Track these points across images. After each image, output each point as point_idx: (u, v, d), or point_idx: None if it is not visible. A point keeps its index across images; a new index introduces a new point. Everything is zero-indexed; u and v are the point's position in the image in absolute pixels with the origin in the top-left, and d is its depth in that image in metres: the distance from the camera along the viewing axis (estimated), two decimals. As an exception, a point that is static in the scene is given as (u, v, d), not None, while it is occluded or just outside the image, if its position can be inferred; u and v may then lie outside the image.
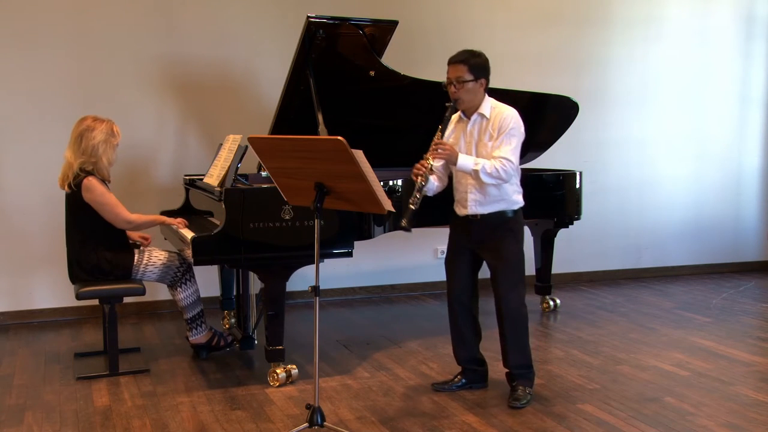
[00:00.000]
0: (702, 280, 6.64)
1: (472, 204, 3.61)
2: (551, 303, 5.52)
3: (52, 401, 3.68)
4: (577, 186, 5.26)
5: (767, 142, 7.11)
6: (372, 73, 4.56)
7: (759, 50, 6.95)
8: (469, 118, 3.62)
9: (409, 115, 4.93)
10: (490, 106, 3.60)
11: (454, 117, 3.71)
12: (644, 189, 6.74)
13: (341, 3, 5.17)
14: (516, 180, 3.63)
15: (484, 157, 3.52)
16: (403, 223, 3.37)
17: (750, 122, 7.04)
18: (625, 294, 6.10)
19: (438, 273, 6.17)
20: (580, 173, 5.29)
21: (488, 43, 6.26)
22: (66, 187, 4.04)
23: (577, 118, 5.30)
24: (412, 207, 3.38)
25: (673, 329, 4.98)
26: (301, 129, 4.37)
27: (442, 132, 3.55)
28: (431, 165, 3.47)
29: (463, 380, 3.83)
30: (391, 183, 4.28)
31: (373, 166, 2.98)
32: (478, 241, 3.66)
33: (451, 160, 3.49)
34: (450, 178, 3.74)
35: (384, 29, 4.43)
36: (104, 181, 4.05)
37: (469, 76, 3.52)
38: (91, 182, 3.95)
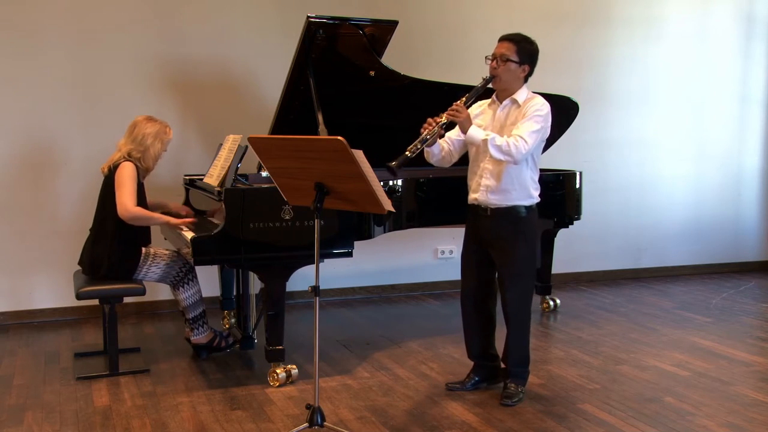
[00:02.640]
0: (702, 280, 6.65)
1: (483, 189, 3.53)
2: (551, 303, 5.52)
3: (52, 401, 3.68)
4: (577, 186, 5.26)
5: (767, 142, 7.11)
6: (372, 73, 4.56)
7: (759, 50, 6.95)
8: (500, 102, 3.56)
9: (409, 115, 4.90)
10: (525, 95, 3.52)
11: (487, 101, 3.64)
12: (644, 189, 6.74)
13: (341, 3, 5.17)
14: (534, 174, 3.56)
15: None
16: (393, 163, 3.27)
17: (750, 122, 7.04)
18: (625, 294, 6.10)
19: (438, 273, 6.19)
20: (580, 173, 5.29)
21: (488, 43, 6.24)
22: (105, 169, 4.11)
23: (577, 118, 5.30)
24: (407, 154, 3.31)
25: (673, 329, 4.98)
26: (301, 129, 4.37)
27: (467, 100, 3.45)
28: (443, 123, 3.38)
29: (476, 378, 3.81)
30: (391, 183, 4.27)
31: (373, 166, 2.97)
32: (488, 239, 3.60)
33: (462, 126, 3.41)
34: (466, 163, 3.65)
35: (384, 29, 4.43)
36: (142, 171, 4.12)
37: (514, 57, 3.45)
38: (127, 164, 4.03)
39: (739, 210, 7.11)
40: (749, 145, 7.07)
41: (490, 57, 3.51)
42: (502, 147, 3.35)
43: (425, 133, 3.36)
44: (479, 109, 3.67)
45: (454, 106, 3.39)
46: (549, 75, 6.11)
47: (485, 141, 3.36)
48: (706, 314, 5.40)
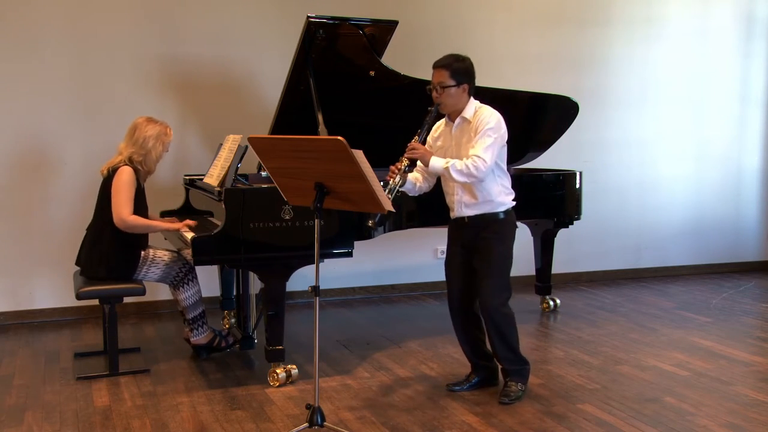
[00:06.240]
0: (702, 280, 6.64)
1: (458, 206, 3.64)
2: (551, 303, 5.52)
3: (52, 401, 3.68)
4: (577, 186, 5.26)
5: (767, 142, 7.11)
6: (372, 73, 4.56)
7: (759, 50, 6.95)
8: (453, 122, 3.63)
9: (409, 116, 4.91)
10: (473, 109, 3.58)
11: (442, 121, 3.72)
12: (644, 189, 6.74)
13: (341, 3, 5.17)
14: (504, 181, 3.63)
15: None
16: (370, 223, 3.41)
17: (750, 122, 7.04)
18: (625, 294, 6.10)
19: (438, 273, 6.15)
20: (580, 173, 5.29)
21: (488, 43, 6.25)
22: (105, 171, 4.09)
23: (577, 118, 5.30)
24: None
25: (673, 329, 4.98)
26: (301, 129, 4.37)
27: (420, 135, 3.56)
28: (405, 167, 3.49)
29: (476, 378, 3.83)
30: (391, 183, 4.26)
31: (373, 166, 2.98)
32: (467, 242, 3.68)
33: (423, 161, 3.52)
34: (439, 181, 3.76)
35: (384, 29, 4.43)
36: (143, 174, 4.11)
37: (450, 82, 3.51)
38: (125, 170, 4.01)
39: (739, 210, 7.11)
40: (749, 145, 7.07)
41: (430, 87, 3.58)
42: (463, 171, 3.45)
43: (391, 182, 3.45)
44: (438, 131, 3.75)
45: (410, 146, 3.50)
46: (549, 75, 6.16)
47: (446, 169, 3.46)
48: (706, 314, 5.40)
